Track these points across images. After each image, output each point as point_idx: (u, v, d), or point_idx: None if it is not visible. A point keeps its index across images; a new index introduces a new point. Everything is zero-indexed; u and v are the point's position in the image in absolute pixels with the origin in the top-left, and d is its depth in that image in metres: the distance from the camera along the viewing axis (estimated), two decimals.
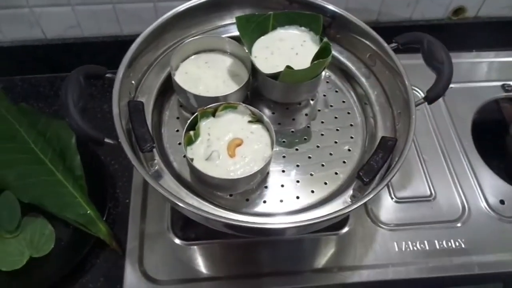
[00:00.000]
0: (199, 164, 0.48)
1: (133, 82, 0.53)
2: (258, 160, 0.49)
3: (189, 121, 0.49)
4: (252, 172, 0.47)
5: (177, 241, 0.59)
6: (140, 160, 0.47)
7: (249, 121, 0.52)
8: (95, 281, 0.60)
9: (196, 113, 0.50)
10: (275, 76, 0.53)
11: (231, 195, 0.51)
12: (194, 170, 0.48)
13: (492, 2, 0.83)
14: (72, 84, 0.44)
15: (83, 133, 0.43)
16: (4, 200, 0.62)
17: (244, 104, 0.52)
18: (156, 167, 0.49)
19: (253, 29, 0.58)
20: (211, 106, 0.51)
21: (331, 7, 0.58)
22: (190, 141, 0.50)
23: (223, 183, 0.48)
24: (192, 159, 0.48)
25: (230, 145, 0.50)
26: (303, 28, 0.60)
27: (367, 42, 0.58)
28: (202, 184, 0.50)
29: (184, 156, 0.48)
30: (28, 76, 0.83)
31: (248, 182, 0.49)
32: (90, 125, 0.43)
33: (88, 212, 0.61)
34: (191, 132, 0.50)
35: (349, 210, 0.45)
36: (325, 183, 0.53)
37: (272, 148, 0.49)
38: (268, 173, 0.53)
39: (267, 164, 0.49)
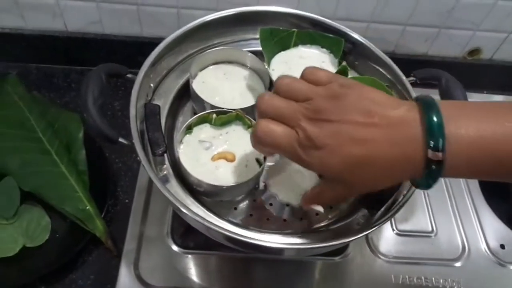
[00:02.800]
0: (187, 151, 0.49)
1: (151, 85, 0.53)
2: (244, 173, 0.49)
3: (220, 110, 0.51)
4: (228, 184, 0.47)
5: (174, 247, 0.58)
6: (150, 163, 0.47)
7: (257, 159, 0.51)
8: (85, 278, 0.60)
9: (233, 111, 0.52)
10: None
11: (235, 208, 0.51)
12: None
13: (508, 47, 0.84)
14: (94, 81, 0.44)
15: (99, 130, 0.43)
16: (5, 186, 0.61)
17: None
18: (165, 172, 0.49)
19: (275, 43, 0.59)
20: (229, 111, 0.52)
21: (354, 34, 0.59)
22: (204, 121, 0.51)
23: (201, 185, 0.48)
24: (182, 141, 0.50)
25: (221, 152, 0.50)
26: (324, 49, 0.61)
27: (385, 73, 0.58)
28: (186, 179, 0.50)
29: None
30: (44, 65, 0.84)
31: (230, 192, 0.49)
32: (107, 123, 0.43)
33: (87, 208, 0.61)
34: (214, 115, 0.51)
35: (351, 239, 0.45)
36: (330, 207, 0.53)
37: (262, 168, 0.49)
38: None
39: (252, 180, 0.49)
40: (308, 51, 0.60)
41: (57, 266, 0.58)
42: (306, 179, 0.51)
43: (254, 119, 0.53)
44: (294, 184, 0.52)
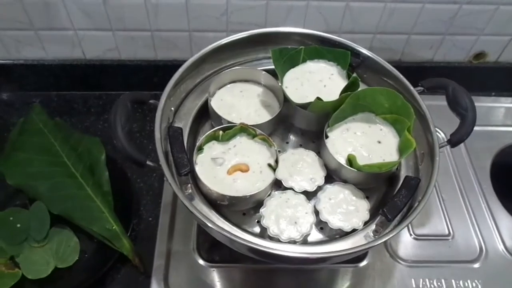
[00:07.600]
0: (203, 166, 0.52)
1: (172, 108, 0.56)
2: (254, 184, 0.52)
3: (225, 126, 0.54)
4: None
5: (201, 262, 0.61)
6: (176, 182, 0.50)
7: (269, 164, 0.54)
8: None
9: (237, 125, 0.54)
10: (304, 106, 0.56)
11: (258, 222, 0.53)
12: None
13: None
14: (121, 108, 0.47)
15: (127, 155, 0.46)
16: (36, 211, 0.64)
17: (276, 148, 0.55)
18: (190, 191, 0.51)
19: (285, 61, 0.61)
20: (252, 126, 0.55)
21: (361, 49, 0.62)
22: (212, 139, 0.54)
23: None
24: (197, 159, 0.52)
25: (235, 165, 0.53)
26: (331, 62, 0.63)
27: (394, 84, 0.60)
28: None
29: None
30: (64, 92, 0.87)
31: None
32: (135, 147, 0.46)
33: (114, 227, 0.63)
34: (221, 132, 0.54)
35: (369, 246, 0.47)
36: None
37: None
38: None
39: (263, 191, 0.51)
40: (316, 66, 0.63)
41: (88, 285, 0.60)
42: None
43: (269, 135, 0.55)
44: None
